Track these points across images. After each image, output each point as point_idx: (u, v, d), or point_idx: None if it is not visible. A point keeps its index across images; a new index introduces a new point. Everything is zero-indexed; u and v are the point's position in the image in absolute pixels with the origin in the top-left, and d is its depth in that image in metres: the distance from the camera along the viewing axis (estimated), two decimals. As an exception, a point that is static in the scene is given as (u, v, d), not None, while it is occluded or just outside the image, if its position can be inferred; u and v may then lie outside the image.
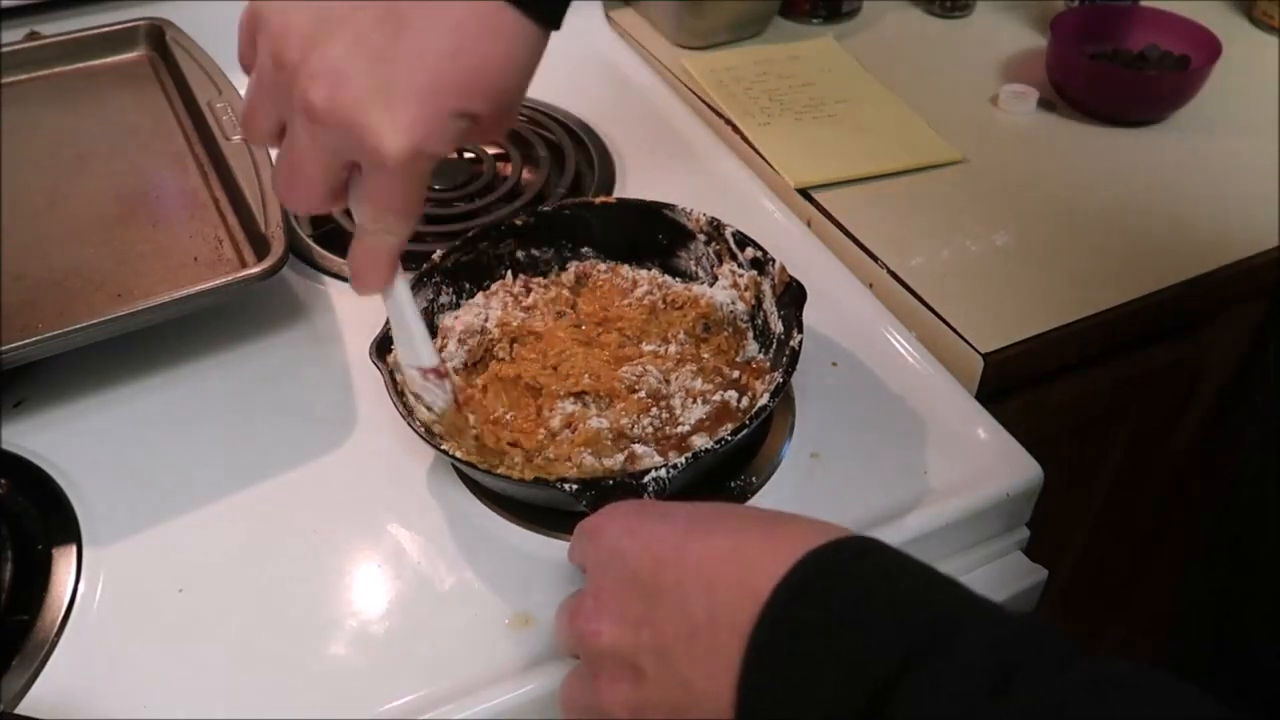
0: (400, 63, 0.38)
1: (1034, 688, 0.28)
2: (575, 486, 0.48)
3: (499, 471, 0.53)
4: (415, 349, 0.51)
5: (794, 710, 0.31)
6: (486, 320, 0.63)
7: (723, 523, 0.37)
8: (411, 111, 0.38)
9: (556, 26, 0.42)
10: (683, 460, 0.50)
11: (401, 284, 0.49)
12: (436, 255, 0.62)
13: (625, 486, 0.48)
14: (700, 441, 0.54)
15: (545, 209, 0.66)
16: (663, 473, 0.49)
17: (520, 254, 0.66)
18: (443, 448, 0.53)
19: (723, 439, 0.51)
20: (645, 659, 0.35)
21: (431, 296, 0.62)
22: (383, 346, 0.57)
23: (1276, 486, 0.47)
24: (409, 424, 0.53)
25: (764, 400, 0.53)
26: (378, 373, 0.56)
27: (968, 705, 0.28)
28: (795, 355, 0.55)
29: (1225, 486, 0.53)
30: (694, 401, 0.57)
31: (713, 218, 0.63)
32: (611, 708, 0.36)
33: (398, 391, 0.55)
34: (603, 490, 0.48)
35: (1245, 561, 0.48)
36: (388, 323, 0.58)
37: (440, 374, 0.52)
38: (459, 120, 0.40)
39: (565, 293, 0.65)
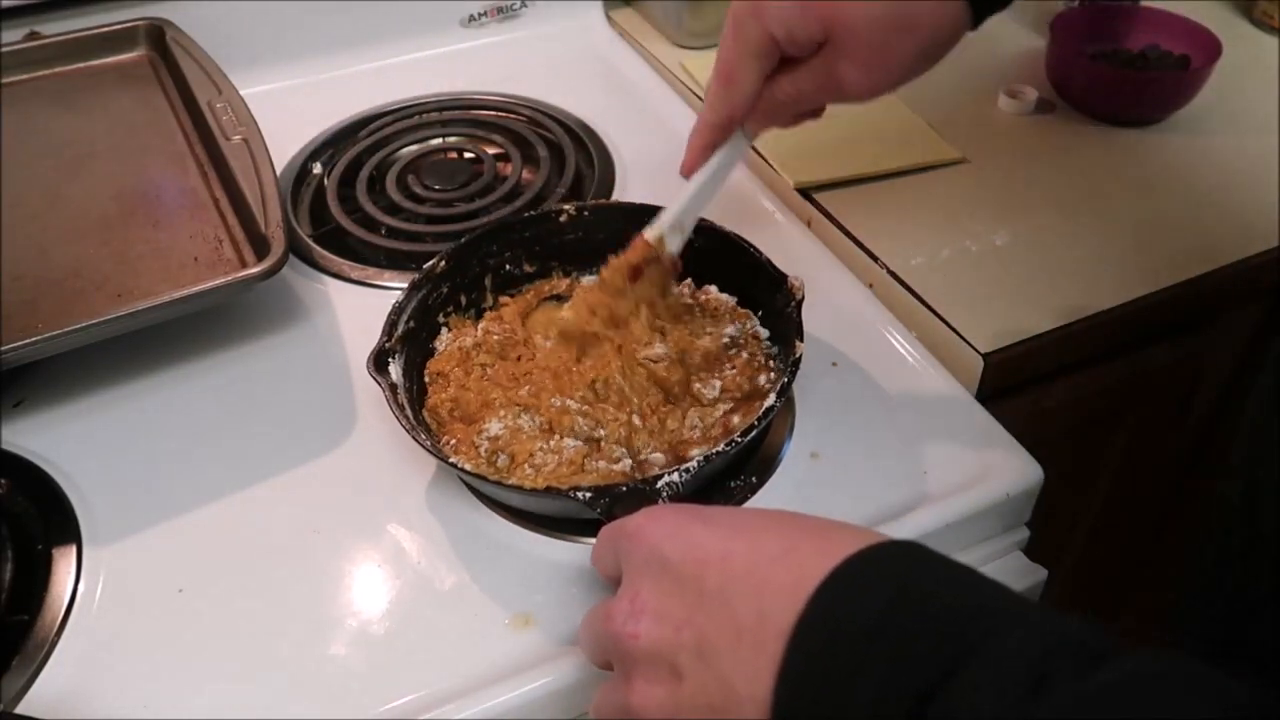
0: None
1: (1068, 688, 0.28)
2: (589, 494, 0.48)
3: (509, 482, 0.53)
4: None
5: (830, 717, 0.31)
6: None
7: (770, 528, 0.37)
8: None
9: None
10: (694, 464, 0.50)
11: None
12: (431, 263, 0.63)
13: (639, 493, 0.48)
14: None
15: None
16: (676, 477, 0.49)
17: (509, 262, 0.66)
18: (450, 460, 0.53)
19: (733, 441, 0.51)
20: (685, 660, 0.35)
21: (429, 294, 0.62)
22: (380, 360, 0.57)
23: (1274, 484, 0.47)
24: (414, 438, 0.53)
25: (770, 400, 0.53)
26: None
27: (1004, 711, 0.28)
28: (798, 358, 0.55)
29: (1226, 483, 0.52)
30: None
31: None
32: (646, 711, 0.36)
33: (398, 405, 0.55)
34: (616, 497, 0.48)
35: (1245, 560, 0.48)
36: (383, 334, 0.58)
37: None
38: None
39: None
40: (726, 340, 0.60)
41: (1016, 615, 0.31)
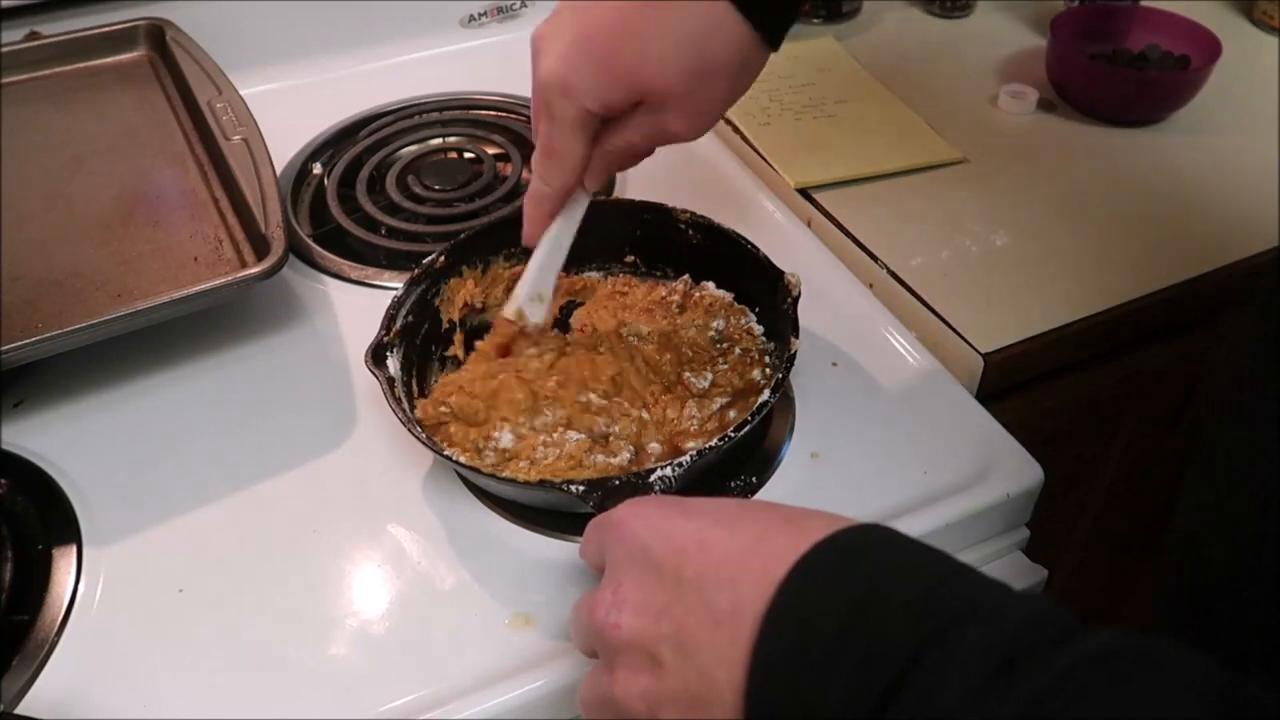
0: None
1: (1036, 667, 0.28)
2: (582, 487, 0.49)
3: (504, 475, 0.53)
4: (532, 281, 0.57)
5: (802, 700, 0.31)
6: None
7: (746, 517, 0.37)
8: None
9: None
10: (688, 458, 0.50)
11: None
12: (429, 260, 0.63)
13: (631, 486, 0.48)
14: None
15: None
16: (669, 471, 0.49)
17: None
18: (445, 453, 0.53)
19: (727, 435, 0.51)
20: (665, 650, 0.35)
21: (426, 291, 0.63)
22: (378, 354, 0.57)
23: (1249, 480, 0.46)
24: (410, 430, 0.53)
25: (764, 396, 0.54)
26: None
27: (973, 691, 0.28)
28: (793, 354, 0.55)
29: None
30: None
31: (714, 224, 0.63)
32: (628, 701, 0.36)
33: (395, 399, 0.55)
34: (609, 490, 0.48)
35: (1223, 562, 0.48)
36: (381, 327, 0.58)
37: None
38: None
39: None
40: (713, 333, 0.60)
41: (983, 598, 0.31)
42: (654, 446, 0.56)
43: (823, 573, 0.33)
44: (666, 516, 0.39)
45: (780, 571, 0.33)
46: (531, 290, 0.57)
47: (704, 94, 0.49)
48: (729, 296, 0.64)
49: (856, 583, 0.32)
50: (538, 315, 0.58)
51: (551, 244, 0.56)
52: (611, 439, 0.55)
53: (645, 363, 0.59)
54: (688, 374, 0.59)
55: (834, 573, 0.33)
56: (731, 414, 0.57)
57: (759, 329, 0.62)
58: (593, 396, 0.56)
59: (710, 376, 0.59)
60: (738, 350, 0.61)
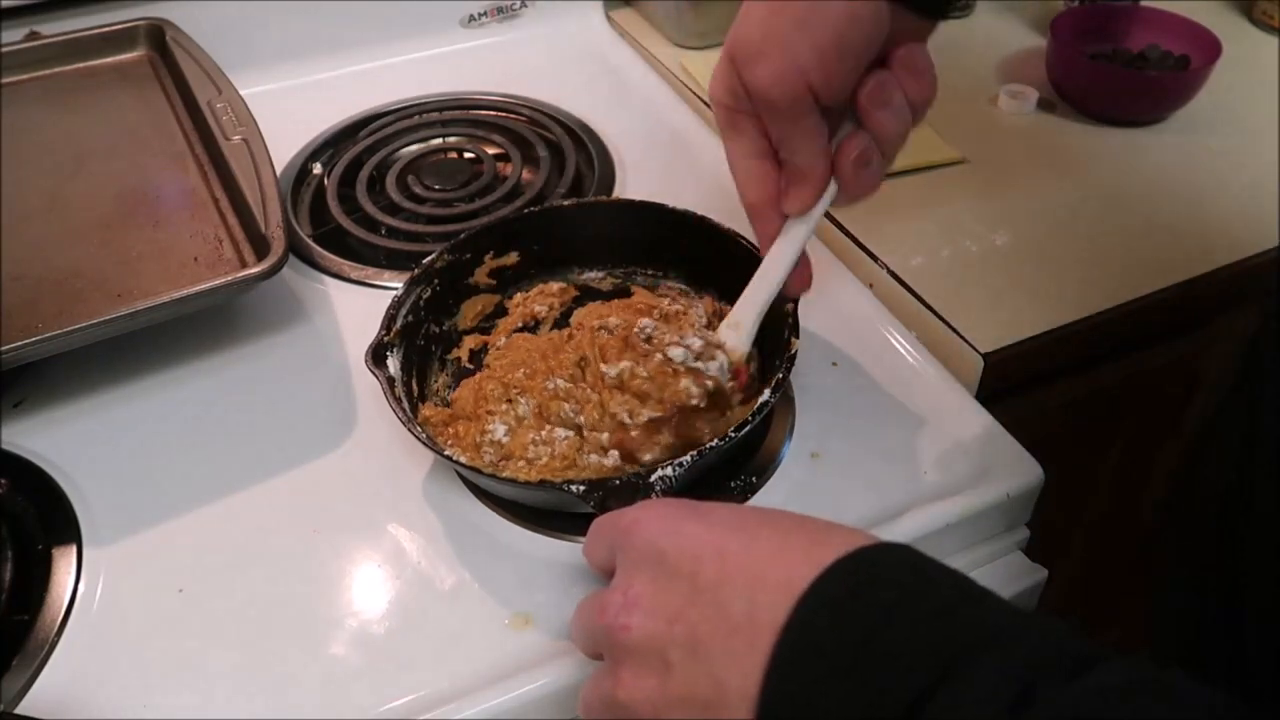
0: None
1: (1052, 700, 0.28)
2: (582, 488, 0.48)
3: (504, 475, 0.53)
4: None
5: (816, 715, 0.31)
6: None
7: (764, 525, 0.37)
8: None
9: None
10: (689, 458, 0.50)
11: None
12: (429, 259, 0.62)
13: (632, 486, 0.48)
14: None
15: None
16: (669, 471, 0.49)
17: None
18: (445, 453, 0.53)
19: (728, 435, 0.51)
20: (675, 653, 0.35)
21: (421, 295, 0.62)
22: (378, 354, 0.57)
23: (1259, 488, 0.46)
24: (409, 430, 0.53)
25: (765, 396, 0.53)
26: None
27: None
28: (793, 355, 0.55)
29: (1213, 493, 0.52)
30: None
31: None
32: (633, 703, 0.36)
33: (395, 399, 0.55)
34: (610, 490, 0.48)
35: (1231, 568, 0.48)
36: (381, 327, 0.58)
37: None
38: None
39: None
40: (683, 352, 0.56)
41: (1003, 624, 0.31)
42: (604, 437, 0.55)
43: (842, 591, 0.33)
44: (682, 520, 0.39)
45: (800, 584, 0.33)
46: (732, 316, 0.57)
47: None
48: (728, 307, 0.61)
49: (875, 606, 0.32)
50: (731, 340, 0.57)
51: (763, 270, 0.56)
52: (584, 430, 0.55)
53: (610, 347, 0.57)
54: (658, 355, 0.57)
55: (853, 592, 0.33)
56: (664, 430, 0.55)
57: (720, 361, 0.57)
58: (559, 381, 0.56)
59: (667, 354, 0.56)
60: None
